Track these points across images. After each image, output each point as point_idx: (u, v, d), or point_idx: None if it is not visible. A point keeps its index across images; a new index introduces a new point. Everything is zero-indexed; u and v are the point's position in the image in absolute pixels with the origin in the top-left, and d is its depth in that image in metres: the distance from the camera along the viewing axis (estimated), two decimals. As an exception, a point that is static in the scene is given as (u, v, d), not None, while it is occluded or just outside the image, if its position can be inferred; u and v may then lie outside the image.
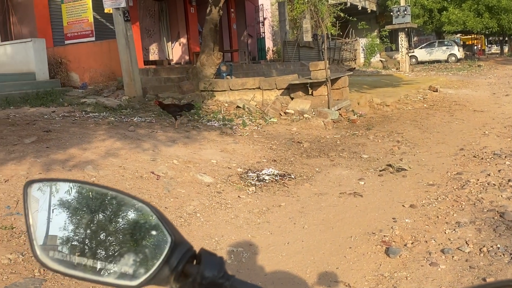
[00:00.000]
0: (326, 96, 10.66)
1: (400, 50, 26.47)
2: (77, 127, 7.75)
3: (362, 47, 30.29)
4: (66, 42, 13.49)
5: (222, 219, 4.87)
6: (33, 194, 0.78)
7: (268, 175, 6.36)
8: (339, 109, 10.79)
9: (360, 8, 32.87)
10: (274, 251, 4.15)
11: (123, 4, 10.67)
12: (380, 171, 6.49)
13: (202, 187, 5.68)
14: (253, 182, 6.05)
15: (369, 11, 34.99)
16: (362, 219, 4.76)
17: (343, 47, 27.14)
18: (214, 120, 9.61)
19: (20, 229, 4.06)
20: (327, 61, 10.98)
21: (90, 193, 0.76)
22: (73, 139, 6.78)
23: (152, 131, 7.97)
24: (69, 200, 0.76)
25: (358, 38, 29.98)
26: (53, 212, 0.77)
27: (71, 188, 0.76)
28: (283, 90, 11.25)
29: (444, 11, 32.70)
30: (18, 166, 5.40)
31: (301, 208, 5.24)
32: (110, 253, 0.74)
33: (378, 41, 31.77)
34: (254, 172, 6.46)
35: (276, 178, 6.25)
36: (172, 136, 7.80)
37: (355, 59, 29.34)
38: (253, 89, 11.61)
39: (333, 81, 11.19)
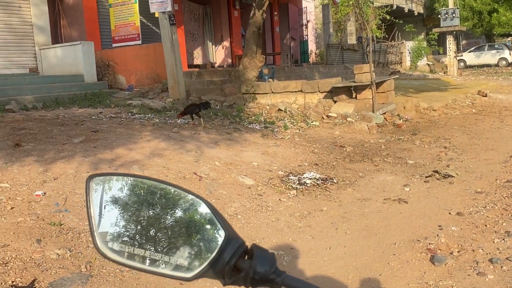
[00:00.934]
0: (371, 99, 10.52)
1: (448, 53, 25.79)
2: (123, 128, 7.98)
3: (408, 50, 29.71)
4: (114, 45, 13.91)
5: (263, 222, 4.89)
6: (95, 187, 0.82)
7: (310, 178, 6.34)
8: (384, 113, 10.63)
9: (406, 11, 32.27)
10: (316, 256, 4.13)
11: (169, 8, 10.91)
12: (426, 177, 6.35)
13: (243, 189, 5.73)
14: (294, 186, 6.05)
15: (416, 14, 34.29)
16: (407, 226, 4.67)
17: (388, 50, 26.72)
18: (255, 123, 9.67)
19: (68, 225, 4.22)
20: (372, 64, 10.84)
21: (148, 187, 0.79)
22: (119, 139, 6.98)
23: (195, 133, 8.10)
24: (129, 194, 0.80)
25: (404, 41, 29.44)
26: (113, 205, 0.81)
27: (130, 182, 0.80)
28: (325, 93, 11.19)
29: (494, 13, 31.62)
30: (67, 164, 5.61)
31: (343, 213, 5.19)
32: (166, 246, 0.77)
33: (425, 44, 31.06)
34: (296, 176, 6.45)
35: (318, 182, 6.22)
36: (214, 138, 7.91)
37: (401, 62, 28.81)
38: (295, 92, 11.61)
39: (378, 84, 11.04)
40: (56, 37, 14.04)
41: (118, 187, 0.80)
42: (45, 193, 4.73)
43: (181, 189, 0.78)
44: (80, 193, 4.85)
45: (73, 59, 12.41)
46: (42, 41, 12.71)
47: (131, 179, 0.80)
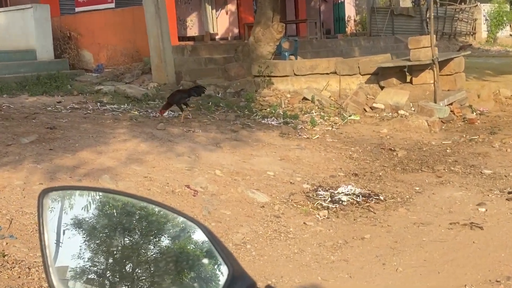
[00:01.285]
0: (432, 85, 10.45)
1: (540, 20, 25.58)
2: (90, 123, 8.03)
3: (484, 16, 29.49)
4: (77, 9, 14.04)
5: (282, 254, 4.88)
6: (51, 205, 0.82)
7: (347, 194, 6.30)
8: (450, 103, 10.56)
9: (482, -38, 32.05)
10: (354, 301, 4.12)
11: (153, -42, 10.99)
12: (509, 193, 6.30)
13: (254, 209, 5.72)
14: (325, 204, 6.02)
15: (495, -34, 34.02)
16: (482, 261, 4.63)
17: (456, 16, 26.55)
18: (271, 117, 9.67)
19: (13, 257, 4.25)
20: (434, 36, 10.78)
21: (124, 205, 0.79)
22: (84, 139, 7.02)
23: (188, 130, 8.11)
24: (97, 215, 0.80)
25: (479, 3, 29.23)
26: (75, 229, 0.82)
27: (98, 198, 0.80)
28: (369, 76, 11.14)
29: None
30: (13, 173, 5.65)
31: (393, 242, 5.17)
32: (148, 287, 0.77)
33: (508, 7, 30.80)
34: (327, 190, 6.42)
35: (358, 200, 6.19)
36: (215, 137, 7.92)
37: (474, 33, 28.60)
38: (327, 74, 11.58)
39: (443, 63, 10.96)
40: (-1, -1, 14.19)
41: (83, 205, 0.81)
42: (-18, 213, 4.78)
43: (168, 208, 0.78)
44: (30, 213, 4.87)
45: (22, 28, 12.52)
46: (-21, 4, 12.88)
47: (100, 194, 0.80)
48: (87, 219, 0.82)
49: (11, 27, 12.62)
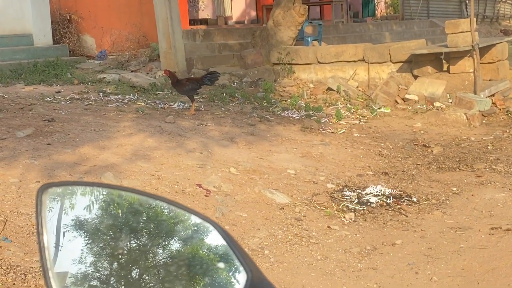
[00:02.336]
0: (471, 74, 10.38)
1: None
2: (92, 115, 8.06)
3: (530, -3, 29.20)
4: (78, -11, 14.08)
5: (303, 261, 4.88)
6: (50, 204, 0.82)
7: (376, 195, 6.29)
8: (492, 95, 10.49)
9: None
10: (384, 314, 4.10)
11: None
12: (558, 195, 6.25)
13: (273, 211, 5.72)
14: (351, 206, 6.02)
15: None
16: (527, 271, 4.60)
17: (499, -3, 26.33)
18: (292, 109, 9.67)
19: (8, 261, 4.28)
20: (474, 19, 10.69)
21: (130, 204, 0.79)
22: (85, 133, 7.05)
23: (200, 124, 8.13)
24: (100, 215, 0.80)
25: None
26: (76, 231, 0.82)
27: (103, 196, 0.80)
28: (401, 64, 11.09)
29: None
30: (7, 170, 5.69)
31: (427, 249, 5.15)
32: (157, 294, 0.77)
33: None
34: (354, 191, 6.41)
35: (388, 201, 6.17)
36: (229, 131, 7.93)
37: (519, 17, 28.33)
38: (354, 61, 11.55)
39: (483, 50, 10.88)
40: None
41: (85, 204, 0.80)
42: (-26, 213, 4.82)
43: (180, 207, 0.77)
44: (26, 213, 4.91)
45: (17, 10, 12.61)
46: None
47: (104, 191, 0.80)
48: (89, 220, 0.82)
49: (6, 9, 12.69)
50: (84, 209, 0.81)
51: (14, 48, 12.14)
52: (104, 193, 0.81)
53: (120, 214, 0.80)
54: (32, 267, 4.21)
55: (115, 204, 0.81)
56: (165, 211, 0.79)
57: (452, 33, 10.49)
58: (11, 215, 4.87)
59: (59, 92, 9.69)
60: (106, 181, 5.65)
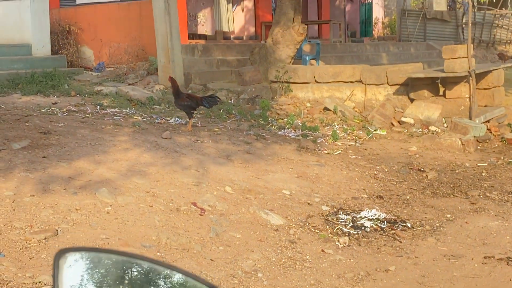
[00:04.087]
0: (467, 99, 10.42)
1: None
2: (88, 128, 8.04)
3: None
4: (78, 1, 14.13)
5: (296, 285, 4.86)
6: (66, 270, 0.79)
7: (370, 219, 6.28)
8: (487, 121, 10.52)
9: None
10: None
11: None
12: (552, 225, 6.25)
13: (267, 232, 5.70)
14: (345, 230, 6.00)
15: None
16: (520, 302, 4.59)
17: (496, 22, 26.48)
18: (288, 128, 9.67)
19: (0, 277, 4.24)
20: (472, 46, 10.74)
21: (147, 273, 0.76)
22: (81, 146, 7.03)
23: (197, 140, 8.12)
24: (117, 284, 0.77)
25: (521, 8, 29.15)
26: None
27: (117, 262, 0.78)
28: (398, 86, 11.13)
29: None
30: (2, 183, 5.67)
31: (420, 276, 5.13)
32: None
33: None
34: (348, 214, 6.40)
35: (383, 226, 6.16)
36: (225, 149, 7.92)
37: (515, 42, 28.50)
38: (351, 82, 11.59)
39: (480, 76, 10.92)
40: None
41: (102, 272, 0.78)
42: (-32, 226, 4.79)
43: (197, 279, 0.76)
44: (20, 227, 4.88)
45: (17, 20, 12.61)
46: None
47: (120, 259, 0.78)
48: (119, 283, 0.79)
49: (5, 19, 12.70)
50: (101, 277, 0.79)
51: (12, 57, 12.12)
52: (120, 260, 0.79)
53: (135, 285, 0.78)
54: (24, 283, 4.17)
55: (132, 272, 0.79)
56: (181, 281, 0.77)
57: (449, 58, 10.54)
58: (4, 229, 4.85)
59: (56, 103, 9.67)
60: (100, 196, 5.62)
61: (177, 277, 0.78)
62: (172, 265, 0.77)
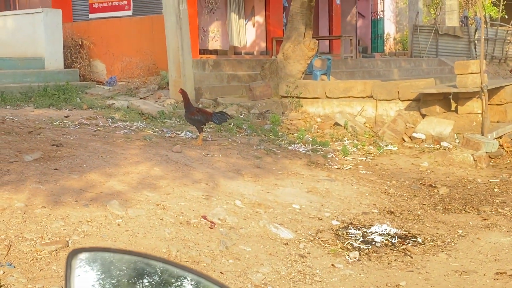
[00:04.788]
0: (479, 115, 10.39)
1: None
2: (100, 141, 8.08)
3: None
4: (91, 16, 14.23)
5: (306, 299, 4.84)
6: (78, 270, 0.80)
7: (381, 234, 6.25)
8: (500, 137, 10.48)
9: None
10: None
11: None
12: None
13: (277, 246, 5.69)
14: (356, 245, 5.97)
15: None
16: (532, 319, 4.55)
17: (508, 38, 26.46)
18: (299, 143, 9.68)
19: None
20: (484, 61, 10.73)
21: (160, 273, 0.77)
22: (93, 159, 7.07)
23: (207, 154, 8.14)
24: (127, 284, 0.78)
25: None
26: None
27: (131, 263, 0.78)
28: (409, 102, 11.12)
29: None
30: (13, 194, 5.69)
31: (431, 291, 5.10)
32: None
33: None
34: (359, 229, 6.38)
35: (393, 241, 6.13)
36: (235, 163, 7.93)
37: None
38: (362, 97, 11.60)
39: (492, 92, 10.91)
40: (6, 1, 14.42)
41: (115, 272, 0.78)
42: (-21, 237, 4.81)
43: (210, 280, 0.76)
44: (31, 239, 4.90)
45: (30, 34, 12.72)
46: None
47: (134, 259, 0.78)
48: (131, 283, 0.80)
49: (19, 32, 12.81)
50: (113, 278, 0.79)
51: (25, 71, 12.23)
52: (133, 261, 0.80)
53: (149, 285, 0.79)
54: (34, 295, 4.18)
55: (145, 273, 0.80)
56: (194, 282, 0.78)
57: (461, 74, 10.52)
58: (15, 240, 4.86)
59: (68, 116, 9.73)
60: (111, 208, 5.63)
61: (190, 277, 0.78)
62: (184, 265, 0.77)
